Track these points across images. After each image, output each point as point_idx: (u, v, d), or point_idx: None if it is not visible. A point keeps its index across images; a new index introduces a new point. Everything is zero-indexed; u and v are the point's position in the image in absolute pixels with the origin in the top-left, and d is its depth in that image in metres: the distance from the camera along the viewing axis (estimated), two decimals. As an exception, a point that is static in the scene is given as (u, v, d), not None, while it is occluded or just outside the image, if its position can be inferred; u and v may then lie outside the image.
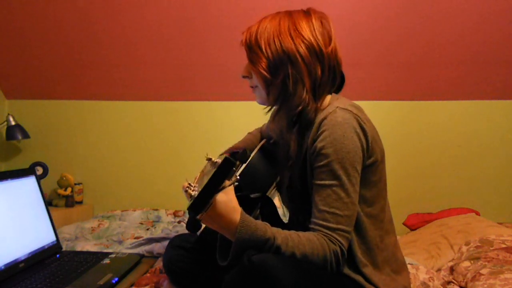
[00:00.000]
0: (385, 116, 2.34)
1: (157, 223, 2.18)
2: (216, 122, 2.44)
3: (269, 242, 0.83)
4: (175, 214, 2.27)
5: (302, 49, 0.94)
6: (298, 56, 0.94)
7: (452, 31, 2.08)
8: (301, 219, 1.03)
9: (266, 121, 1.26)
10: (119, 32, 2.20)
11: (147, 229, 2.07)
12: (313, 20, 0.97)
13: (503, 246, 1.48)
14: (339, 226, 0.88)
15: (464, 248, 1.55)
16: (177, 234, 1.41)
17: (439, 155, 2.35)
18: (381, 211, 0.99)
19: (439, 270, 1.49)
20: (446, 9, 2.02)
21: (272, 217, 1.11)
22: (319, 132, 0.92)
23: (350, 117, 0.91)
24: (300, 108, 0.96)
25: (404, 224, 2.06)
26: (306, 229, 0.90)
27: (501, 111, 2.32)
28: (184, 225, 1.98)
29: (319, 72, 0.96)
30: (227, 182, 0.84)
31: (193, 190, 0.82)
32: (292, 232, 0.88)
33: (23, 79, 2.43)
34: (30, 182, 1.52)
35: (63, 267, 1.37)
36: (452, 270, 1.43)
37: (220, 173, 0.78)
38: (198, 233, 1.20)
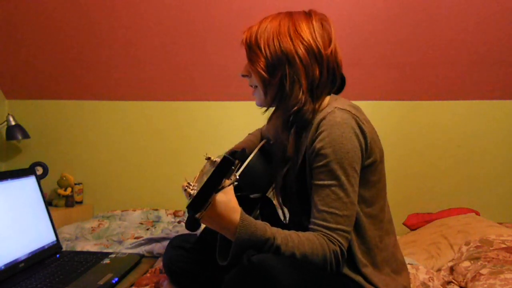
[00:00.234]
0: (385, 116, 2.34)
1: (157, 223, 2.18)
2: (215, 122, 2.44)
3: (269, 242, 0.83)
4: (175, 214, 2.27)
5: (301, 50, 0.95)
6: (296, 57, 0.95)
7: (452, 31, 2.08)
8: (300, 220, 1.03)
9: (266, 122, 1.26)
10: (119, 32, 2.20)
11: (147, 229, 2.07)
12: (314, 22, 0.97)
13: (503, 246, 1.48)
14: (339, 226, 0.88)
15: (464, 248, 1.55)
16: (177, 234, 1.41)
17: (439, 155, 2.35)
18: (380, 211, 0.99)
19: (439, 270, 1.49)
20: (446, 10, 2.02)
21: (272, 218, 1.11)
22: (317, 133, 0.92)
23: (348, 117, 0.91)
24: (296, 108, 0.96)
25: (404, 224, 2.06)
26: (305, 229, 0.90)
27: (501, 111, 2.32)
28: (184, 225, 1.99)
29: (317, 73, 0.96)
30: (226, 182, 0.84)
31: (192, 189, 0.82)
32: (292, 232, 0.88)
33: (23, 79, 2.43)
34: (30, 182, 1.52)
35: (63, 267, 1.37)
36: (452, 270, 1.43)
37: (219, 171, 0.78)
38: (198, 233, 1.20)
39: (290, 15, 1.00)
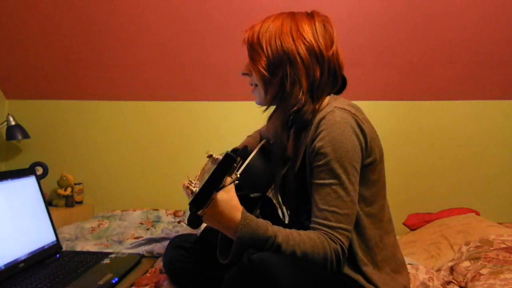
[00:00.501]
0: (385, 116, 2.34)
1: (157, 223, 2.18)
2: (215, 122, 2.44)
3: (270, 240, 0.84)
4: (175, 214, 2.27)
5: (302, 50, 0.95)
6: (297, 57, 0.95)
7: (452, 31, 2.08)
8: (300, 219, 1.03)
9: (265, 122, 1.26)
10: (119, 32, 2.20)
11: (147, 229, 2.07)
12: (316, 23, 0.98)
13: (503, 246, 1.48)
14: (340, 225, 0.88)
15: (464, 248, 1.55)
16: (177, 234, 1.41)
17: (439, 155, 2.35)
18: (380, 210, 0.99)
19: (439, 270, 1.49)
20: (446, 10, 2.02)
21: (272, 217, 1.11)
22: (317, 132, 0.92)
23: (348, 117, 0.92)
24: (295, 108, 0.96)
25: (404, 224, 2.06)
26: (305, 228, 0.90)
27: (501, 111, 2.32)
28: (184, 225, 1.98)
29: (317, 74, 0.96)
30: (228, 180, 0.84)
31: (194, 187, 0.83)
32: (293, 230, 0.88)
33: (23, 79, 2.43)
34: (30, 182, 1.51)
35: (63, 267, 1.37)
36: (452, 270, 1.43)
37: (221, 168, 0.78)
38: (199, 232, 1.20)
39: (292, 15, 1.00)
